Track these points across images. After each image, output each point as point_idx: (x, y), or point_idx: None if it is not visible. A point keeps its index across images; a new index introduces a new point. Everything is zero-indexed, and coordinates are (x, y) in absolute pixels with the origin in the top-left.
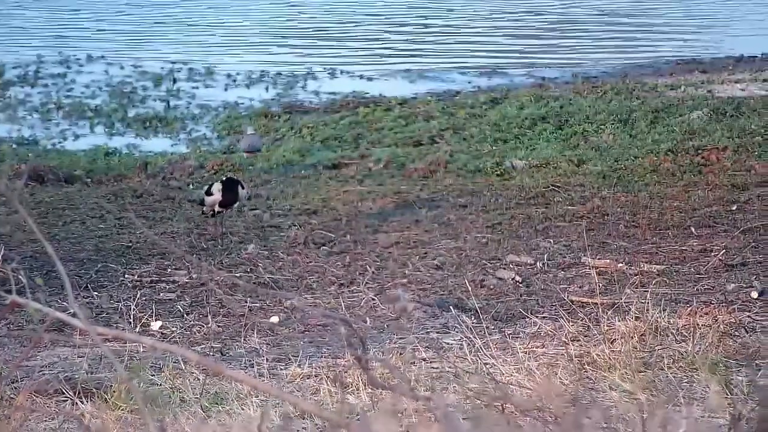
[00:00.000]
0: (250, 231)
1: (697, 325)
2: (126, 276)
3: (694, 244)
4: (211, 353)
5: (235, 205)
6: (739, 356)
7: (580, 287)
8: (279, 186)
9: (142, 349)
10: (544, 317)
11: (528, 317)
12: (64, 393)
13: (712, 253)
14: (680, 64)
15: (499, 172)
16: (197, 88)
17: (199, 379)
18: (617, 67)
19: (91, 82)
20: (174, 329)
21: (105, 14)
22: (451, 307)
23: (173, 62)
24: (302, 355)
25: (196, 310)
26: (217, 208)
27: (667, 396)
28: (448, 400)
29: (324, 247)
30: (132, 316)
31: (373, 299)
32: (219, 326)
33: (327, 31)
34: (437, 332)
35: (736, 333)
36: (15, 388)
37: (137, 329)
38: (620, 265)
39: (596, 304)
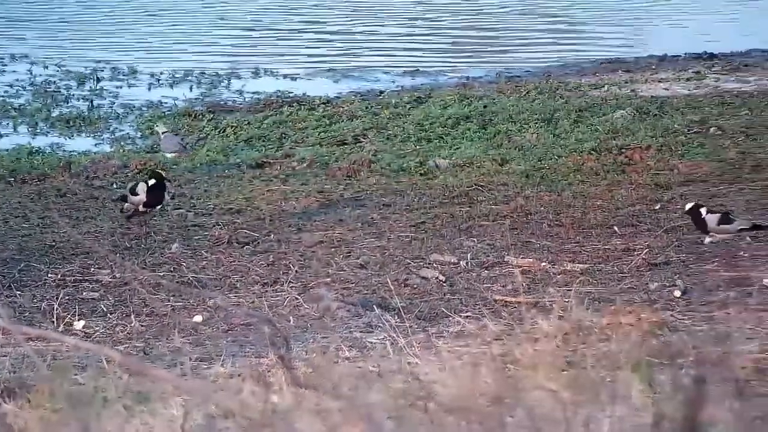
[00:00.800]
0: (174, 230)
1: (621, 324)
2: (49, 275)
3: (618, 243)
4: (135, 352)
5: (158, 208)
6: (662, 355)
7: (503, 286)
8: (203, 185)
9: (65, 349)
10: (467, 316)
11: (451, 316)
12: None
13: (636, 252)
14: (604, 63)
15: (422, 172)
16: (121, 87)
17: (122, 379)
18: (541, 67)
19: (15, 82)
20: (97, 328)
21: (29, 14)
22: (374, 307)
23: (97, 62)
24: (225, 355)
25: (119, 309)
26: (141, 209)
27: (590, 395)
28: (371, 399)
29: (247, 247)
30: (55, 316)
31: (297, 298)
32: (142, 325)
33: (251, 31)
34: (361, 331)
35: (660, 332)
36: None
37: (60, 329)
38: (543, 264)
39: (520, 303)
